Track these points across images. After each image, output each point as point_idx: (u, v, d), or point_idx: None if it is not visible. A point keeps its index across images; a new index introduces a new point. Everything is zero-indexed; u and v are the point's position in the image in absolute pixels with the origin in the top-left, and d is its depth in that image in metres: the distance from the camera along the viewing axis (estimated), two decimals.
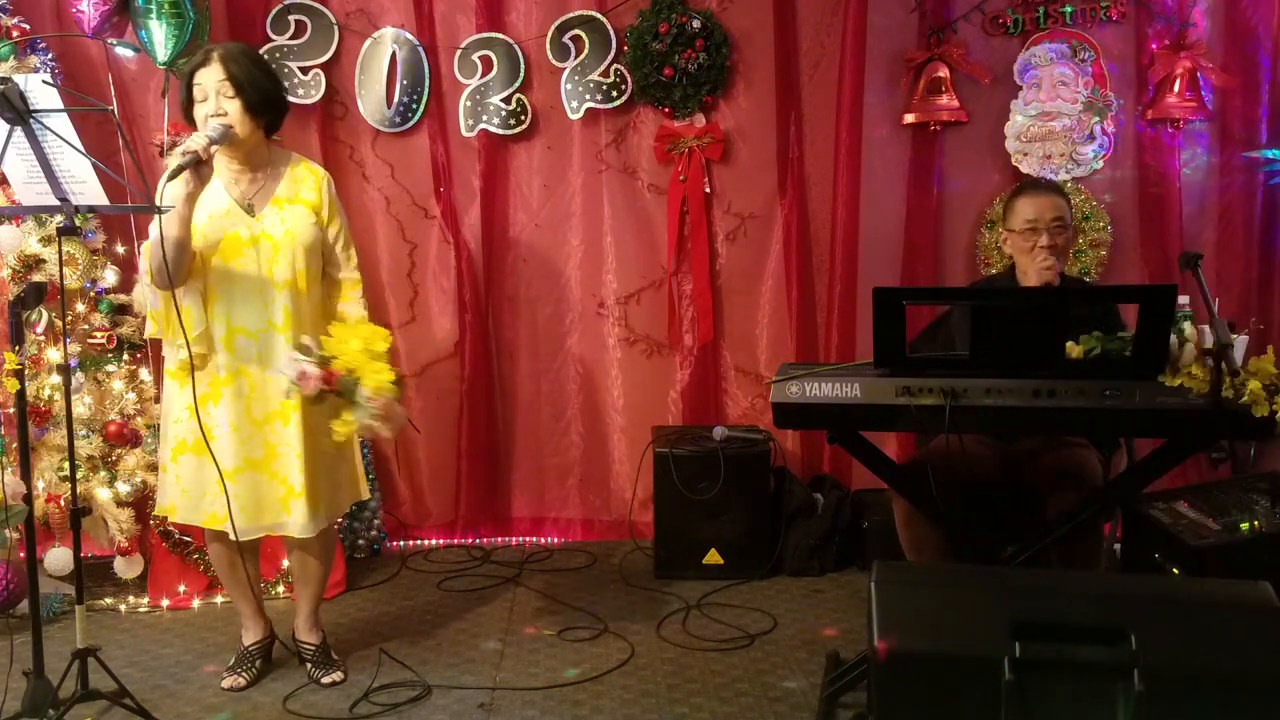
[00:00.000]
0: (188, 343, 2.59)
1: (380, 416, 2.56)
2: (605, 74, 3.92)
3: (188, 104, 2.69)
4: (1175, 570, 3.01)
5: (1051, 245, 2.87)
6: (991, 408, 2.34)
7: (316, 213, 2.78)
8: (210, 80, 2.63)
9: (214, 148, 2.56)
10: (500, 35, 3.92)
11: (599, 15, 3.91)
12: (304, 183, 2.79)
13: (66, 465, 2.89)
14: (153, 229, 2.58)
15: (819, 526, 3.76)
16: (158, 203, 2.48)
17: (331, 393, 2.55)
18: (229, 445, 2.71)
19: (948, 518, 2.70)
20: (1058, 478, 2.78)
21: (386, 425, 2.59)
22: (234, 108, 2.63)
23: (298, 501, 2.74)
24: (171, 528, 3.43)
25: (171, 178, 2.48)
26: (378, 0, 3.92)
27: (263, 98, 2.68)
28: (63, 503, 3.31)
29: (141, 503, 3.49)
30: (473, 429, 4.06)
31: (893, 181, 4.02)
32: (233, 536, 2.69)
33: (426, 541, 4.12)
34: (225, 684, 2.88)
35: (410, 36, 3.91)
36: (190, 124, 2.71)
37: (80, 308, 3.44)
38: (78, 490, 2.73)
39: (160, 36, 3.48)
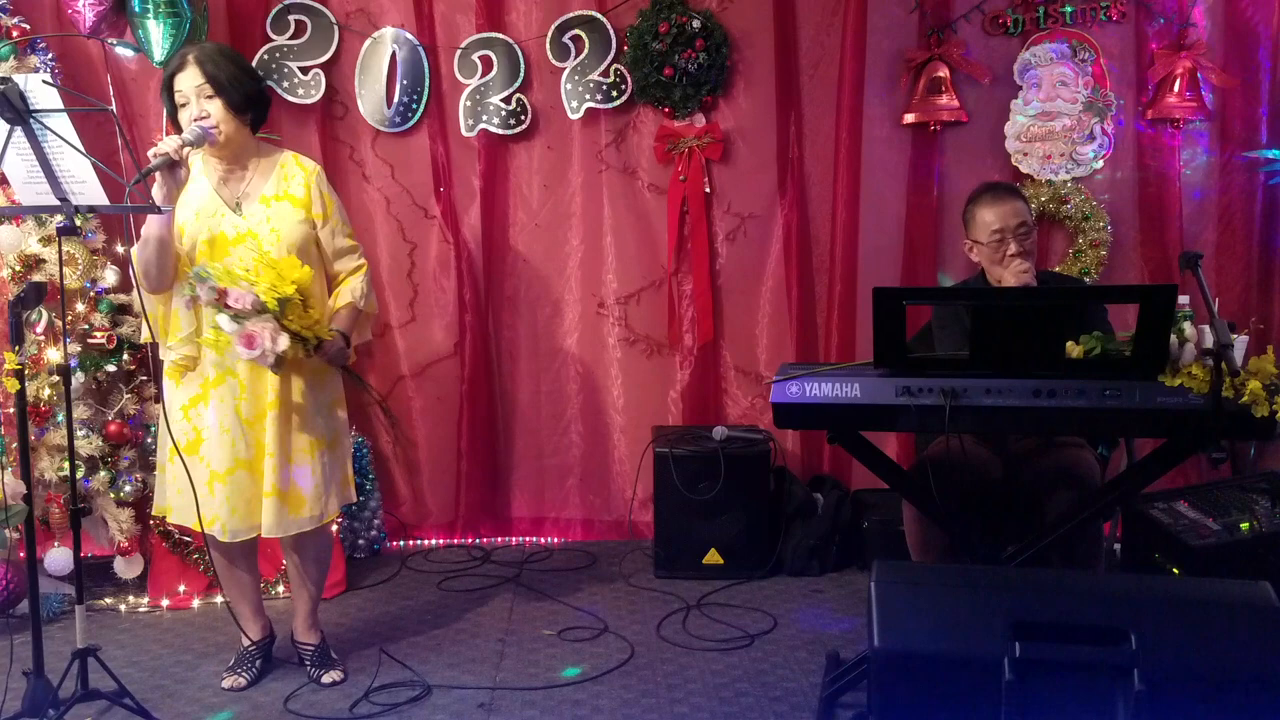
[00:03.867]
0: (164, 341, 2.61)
1: (244, 317, 2.47)
2: (605, 74, 3.92)
3: (172, 111, 2.68)
4: (1175, 570, 3.02)
5: (1021, 251, 2.86)
6: (991, 408, 2.34)
7: (305, 209, 2.75)
8: (188, 84, 2.63)
9: (187, 150, 2.53)
10: (500, 35, 3.92)
11: (599, 15, 3.90)
12: (293, 179, 2.76)
13: (66, 465, 2.89)
14: (144, 231, 2.58)
15: (819, 526, 3.76)
16: (143, 205, 2.46)
17: (229, 311, 2.48)
18: (218, 446, 2.70)
19: (948, 518, 2.70)
20: (1057, 478, 2.79)
21: (275, 342, 2.48)
22: (215, 108, 2.63)
23: (269, 500, 2.72)
24: (171, 528, 3.43)
25: (140, 179, 2.47)
26: (378, 0, 3.92)
27: (244, 95, 2.67)
28: (63, 503, 3.31)
29: (141, 503, 3.49)
30: (473, 429, 4.06)
31: (893, 181, 4.02)
32: (223, 539, 2.72)
33: (426, 541, 4.12)
34: (225, 684, 2.88)
35: (410, 36, 3.91)
36: (178, 130, 2.67)
37: (80, 308, 3.43)
38: (78, 490, 2.73)
39: (157, 36, 3.48)
